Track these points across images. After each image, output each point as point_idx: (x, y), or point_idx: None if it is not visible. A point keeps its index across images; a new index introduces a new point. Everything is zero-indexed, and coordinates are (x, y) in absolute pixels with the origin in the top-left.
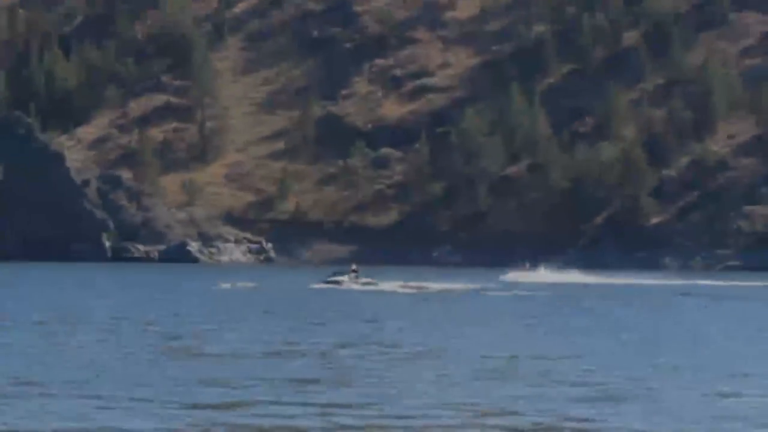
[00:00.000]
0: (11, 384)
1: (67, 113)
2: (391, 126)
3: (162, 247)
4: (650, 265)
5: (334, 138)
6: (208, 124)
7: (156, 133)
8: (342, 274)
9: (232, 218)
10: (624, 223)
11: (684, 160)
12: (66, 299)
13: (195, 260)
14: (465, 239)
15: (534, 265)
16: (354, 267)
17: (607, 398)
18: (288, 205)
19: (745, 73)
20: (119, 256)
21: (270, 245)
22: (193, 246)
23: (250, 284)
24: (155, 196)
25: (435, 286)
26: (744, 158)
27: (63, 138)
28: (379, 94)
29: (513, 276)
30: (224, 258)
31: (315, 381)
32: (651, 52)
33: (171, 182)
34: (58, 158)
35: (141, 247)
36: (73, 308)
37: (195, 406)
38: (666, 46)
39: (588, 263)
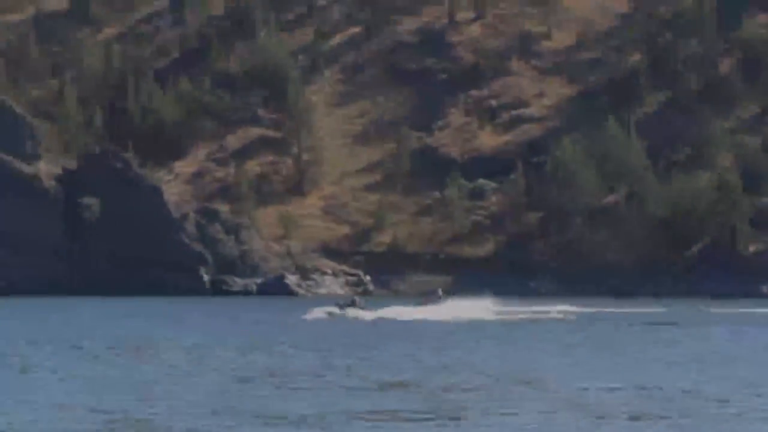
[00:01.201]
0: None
1: (163, 147)
2: (486, 157)
3: (259, 280)
4: (749, 293)
5: (429, 169)
6: (304, 156)
7: (252, 166)
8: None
9: (328, 251)
10: (721, 251)
11: None
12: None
13: (293, 293)
14: (561, 269)
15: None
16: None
17: None
18: (384, 237)
19: None
20: (218, 289)
21: (368, 278)
22: (291, 279)
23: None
24: (252, 229)
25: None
26: None
27: (160, 173)
28: (474, 125)
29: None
30: (322, 290)
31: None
32: (746, 79)
33: (267, 215)
34: (156, 192)
35: (239, 281)
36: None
37: None
38: (760, 72)
39: (687, 291)
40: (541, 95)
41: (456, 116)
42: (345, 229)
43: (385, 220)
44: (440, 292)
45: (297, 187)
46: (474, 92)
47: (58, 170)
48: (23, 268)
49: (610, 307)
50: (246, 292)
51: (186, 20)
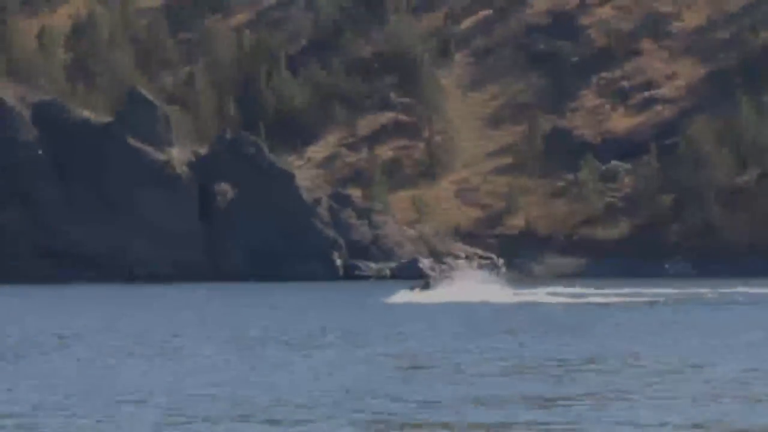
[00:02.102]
0: None
1: (295, 133)
2: (618, 138)
3: (392, 264)
4: None
5: (561, 152)
6: (436, 140)
7: (384, 151)
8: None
9: (461, 234)
10: None
11: None
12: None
13: (426, 277)
14: (696, 251)
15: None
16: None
17: None
18: (517, 220)
19: None
20: (350, 274)
21: (501, 260)
22: (424, 263)
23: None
24: (385, 213)
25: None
26: None
27: (292, 158)
28: (607, 106)
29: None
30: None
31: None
32: None
33: (400, 199)
34: (288, 178)
35: (372, 265)
36: None
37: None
38: None
39: None
40: (673, 76)
41: (588, 98)
42: (477, 213)
43: (518, 202)
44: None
45: (429, 171)
46: (606, 74)
47: (191, 157)
48: (160, 255)
49: (743, 287)
50: (379, 277)
51: (318, 5)
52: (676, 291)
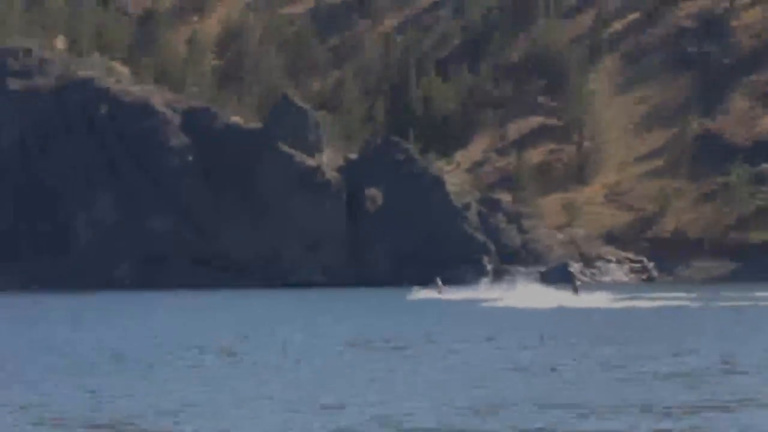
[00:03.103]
0: None
1: (445, 137)
2: None
3: (542, 268)
4: None
5: (712, 155)
6: (586, 144)
7: (533, 155)
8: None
9: (612, 238)
10: None
11: None
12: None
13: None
14: None
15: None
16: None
17: None
18: (667, 224)
19: None
20: (501, 278)
21: (651, 264)
22: (575, 267)
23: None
24: (535, 217)
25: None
26: None
27: (441, 162)
28: (757, 110)
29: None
30: (606, 278)
31: None
32: None
33: (550, 203)
34: (438, 182)
35: (522, 269)
36: None
37: None
38: None
39: None
40: None
41: (738, 101)
42: (628, 216)
43: (669, 206)
44: (439, 281)
45: (579, 175)
46: (755, 77)
47: (340, 161)
48: (311, 260)
49: None
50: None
51: (466, 9)
52: None
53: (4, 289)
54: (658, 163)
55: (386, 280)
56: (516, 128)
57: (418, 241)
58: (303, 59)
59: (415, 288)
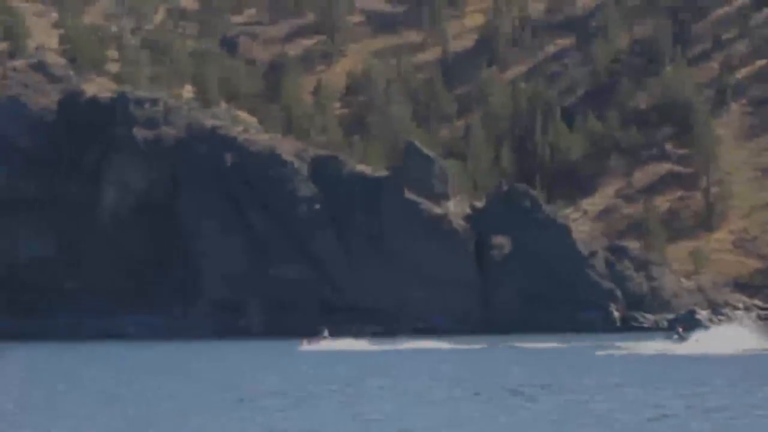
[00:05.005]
0: None
1: (571, 184)
2: None
3: (670, 315)
4: None
5: None
6: (713, 190)
7: (661, 202)
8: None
9: (739, 285)
10: None
11: None
12: None
13: (704, 328)
14: None
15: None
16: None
17: None
18: None
19: None
20: (628, 325)
21: None
22: (702, 314)
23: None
24: (662, 264)
25: None
26: None
27: (569, 210)
28: None
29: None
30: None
31: None
32: None
33: (677, 251)
34: (564, 230)
35: (649, 317)
36: None
37: None
38: None
39: None
40: None
41: None
42: (756, 263)
43: None
44: (326, 332)
45: (706, 222)
46: None
47: (467, 209)
48: (439, 308)
49: None
50: (657, 328)
51: (594, 56)
52: None
53: (135, 337)
54: None
55: (516, 327)
56: (643, 175)
57: (545, 288)
58: (430, 107)
59: (304, 340)
